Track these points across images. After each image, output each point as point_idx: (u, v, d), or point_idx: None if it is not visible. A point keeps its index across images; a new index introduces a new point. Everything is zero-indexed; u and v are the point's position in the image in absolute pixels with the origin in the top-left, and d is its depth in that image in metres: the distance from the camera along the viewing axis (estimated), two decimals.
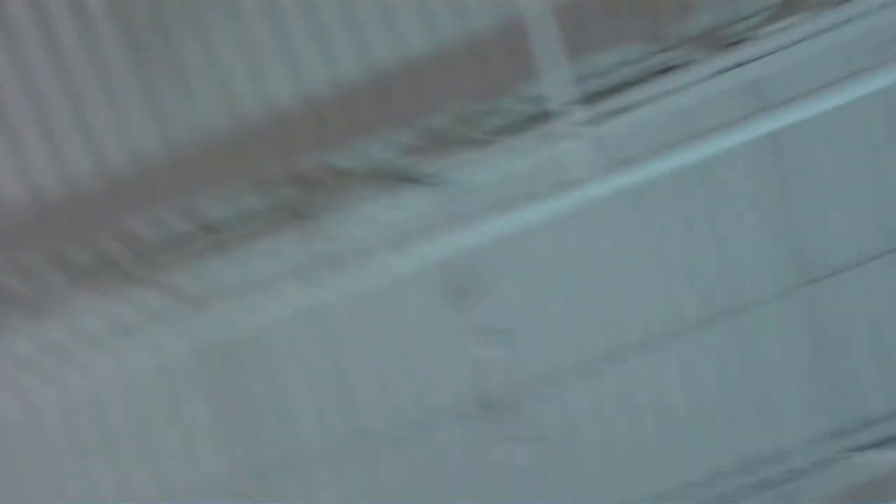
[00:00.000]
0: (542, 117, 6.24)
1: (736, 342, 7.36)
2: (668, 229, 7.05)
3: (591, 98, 6.28)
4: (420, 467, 7.42)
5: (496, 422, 7.20)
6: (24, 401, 6.80)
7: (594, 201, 6.48)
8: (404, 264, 6.52)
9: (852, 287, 7.32)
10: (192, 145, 6.42)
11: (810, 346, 7.38)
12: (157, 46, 6.41)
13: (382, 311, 6.98)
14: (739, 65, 6.46)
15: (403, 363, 7.14)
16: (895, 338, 7.46)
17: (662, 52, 6.45)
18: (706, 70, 6.43)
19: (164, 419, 7.00)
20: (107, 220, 6.51)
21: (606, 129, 6.27)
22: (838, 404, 7.52)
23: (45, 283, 6.52)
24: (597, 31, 6.51)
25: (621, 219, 6.99)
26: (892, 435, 7.57)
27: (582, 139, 5.93)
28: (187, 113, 6.48)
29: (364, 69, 6.52)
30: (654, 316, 7.26)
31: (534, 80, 6.18)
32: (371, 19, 6.51)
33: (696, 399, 7.40)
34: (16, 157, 6.41)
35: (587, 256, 7.05)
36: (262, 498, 7.31)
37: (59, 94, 6.41)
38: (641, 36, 6.46)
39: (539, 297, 7.10)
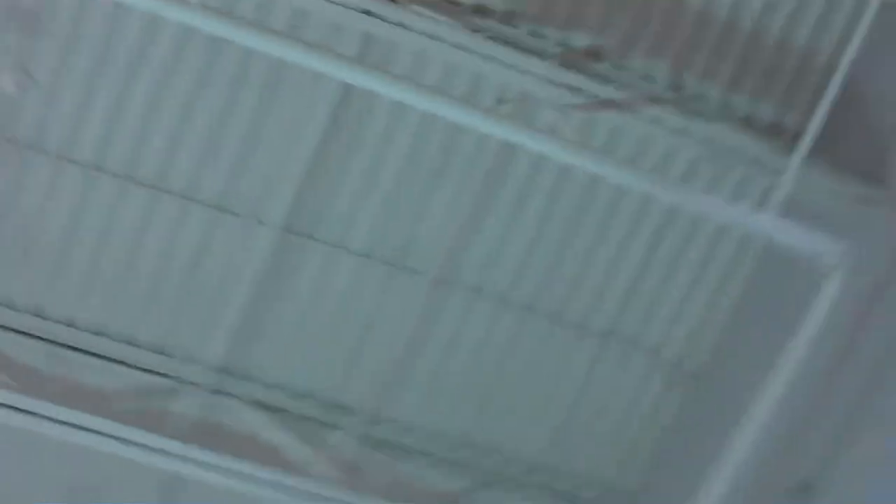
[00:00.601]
0: None
1: (228, 246, 7.40)
2: (232, 104, 7.10)
3: None
4: None
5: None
6: None
7: (188, 36, 6.53)
8: None
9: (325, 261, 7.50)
10: None
11: (268, 279, 7.46)
12: None
13: None
14: (375, 17, 6.64)
15: None
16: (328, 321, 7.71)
17: None
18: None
19: None
20: None
21: None
22: (241, 351, 7.64)
23: None
24: None
25: (204, 72, 6.99)
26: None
27: None
28: None
29: None
30: (200, 181, 7.25)
31: None
32: None
33: (175, 273, 7.42)
34: None
35: (160, 81, 6.98)
36: None
37: None
38: None
39: (88, 80, 6.99)
